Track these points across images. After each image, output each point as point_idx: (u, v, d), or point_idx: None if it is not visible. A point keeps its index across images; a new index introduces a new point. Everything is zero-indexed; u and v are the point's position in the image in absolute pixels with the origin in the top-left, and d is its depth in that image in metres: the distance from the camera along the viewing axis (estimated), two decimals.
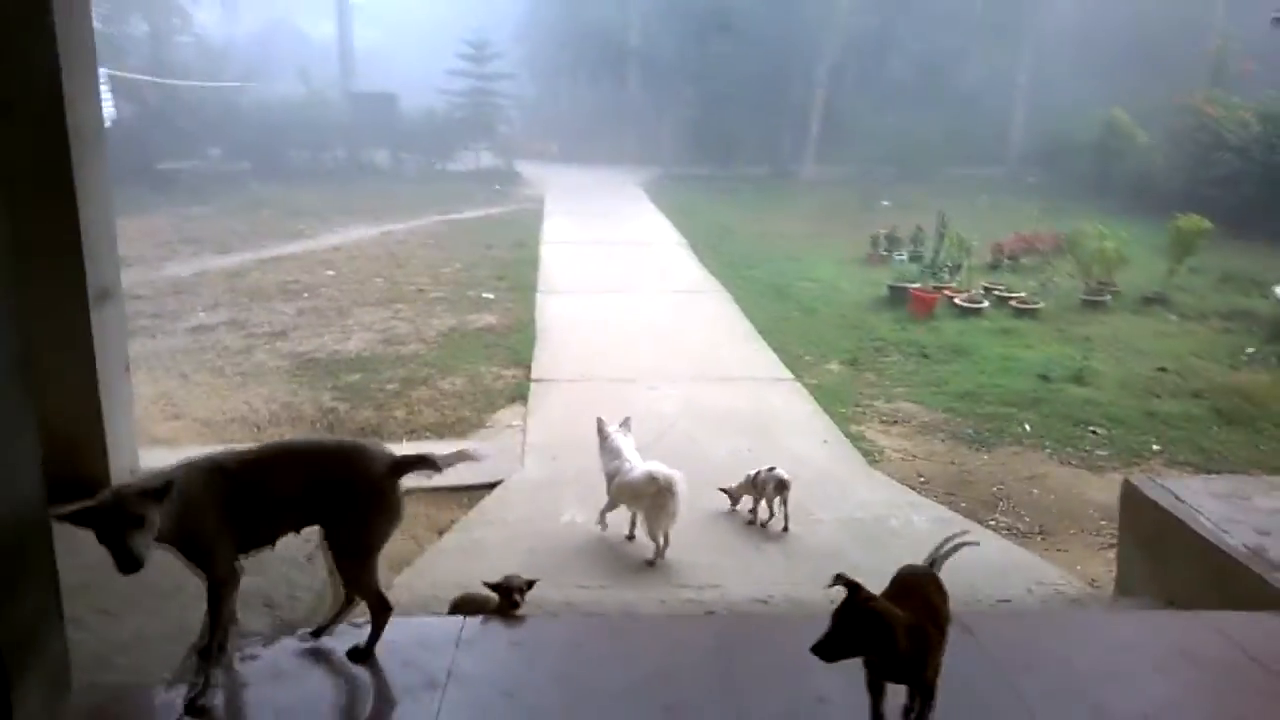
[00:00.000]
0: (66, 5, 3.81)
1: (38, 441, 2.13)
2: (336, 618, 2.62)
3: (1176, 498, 4.20)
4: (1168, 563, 4.11)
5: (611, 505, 5.39)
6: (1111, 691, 2.40)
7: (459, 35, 27.16)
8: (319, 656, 2.44)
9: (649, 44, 29.81)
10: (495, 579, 2.94)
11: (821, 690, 2.22)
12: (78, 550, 3.19)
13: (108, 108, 17.57)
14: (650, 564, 5.15)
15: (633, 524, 5.40)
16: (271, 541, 2.56)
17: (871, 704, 2.15)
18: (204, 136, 22.51)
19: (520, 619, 2.70)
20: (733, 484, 5.80)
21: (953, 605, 2.26)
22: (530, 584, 2.97)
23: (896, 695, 2.24)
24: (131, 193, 17.91)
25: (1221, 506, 4.10)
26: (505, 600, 2.84)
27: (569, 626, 2.88)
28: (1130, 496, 4.46)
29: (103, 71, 17.76)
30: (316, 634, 2.59)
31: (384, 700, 2.25)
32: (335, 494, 2.47)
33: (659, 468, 5.14)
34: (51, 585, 2.14)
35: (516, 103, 28.85)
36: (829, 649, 2.03)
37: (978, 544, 2.57)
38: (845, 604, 2.07)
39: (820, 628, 2.04)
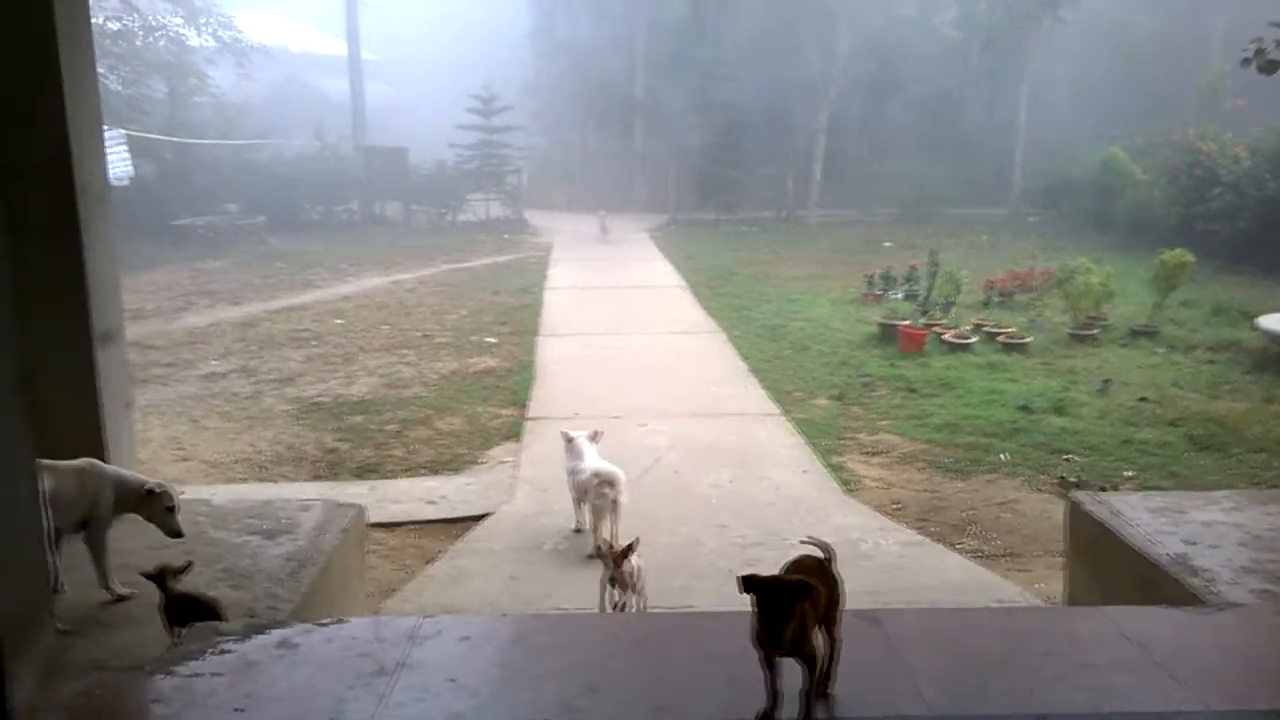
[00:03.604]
0: (74, 72, 4.19)
1: (31, 451, 2.44)
2: None
3: (1114, 512, 4.44)
4: (1105, 572, 4.34)
5: (576, 503, 6.10)
6: (997, 672, 2.65)
7: (468, 90, 27.85)
8: (285, 649, 2.72)
9: (654, 94, 30.52)
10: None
11: (733, 672, 2.48)
12: (76, 568, 3.52)
13: (127, 167, 18.17)
14: (591, 557, 5.59)
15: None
16: None
17: (767, 678, 2.40)
18: (221, 193, 23.12)
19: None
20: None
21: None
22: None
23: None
24: (150, 248, 18.55)
25: (1155, 519, 4.33)
26: (160, 586, 3.17)
27: (514, 624, 3.15)
28: (1075, 513, 4.70)
29: (122, 132, 18.48)
30: None
31: (340, 684, 2.52)
32: None
33: (603, 465, 5.80)
34: (43, 582, 2.44)
35: (525, 154, 29.48)
36: (772, 636, 2.30)
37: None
38: (760, 593, 2.34)
39: (740, 623, 2.33)
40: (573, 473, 6.01)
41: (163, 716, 2.47)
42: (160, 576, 3.16)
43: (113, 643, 3.15)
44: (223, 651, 2.71)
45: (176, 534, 3.62)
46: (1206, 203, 18.09)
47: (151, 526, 3.64)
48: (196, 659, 2.65)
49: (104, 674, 2.58)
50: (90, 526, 3.52)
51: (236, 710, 2.43)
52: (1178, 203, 19.05)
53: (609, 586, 4.45)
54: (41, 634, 2.43)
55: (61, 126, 4.13)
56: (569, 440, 6.16)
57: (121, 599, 3.47)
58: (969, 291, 13.18)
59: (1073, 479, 7.11)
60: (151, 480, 3.63)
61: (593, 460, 5.95)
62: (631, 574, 4.50)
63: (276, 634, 2.83)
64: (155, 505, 3.57)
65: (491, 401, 9.23)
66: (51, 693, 2.44)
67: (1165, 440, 7.98)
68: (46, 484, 3.31)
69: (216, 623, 2.87)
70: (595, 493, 5.73)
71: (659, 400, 9.23)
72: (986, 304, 13.51)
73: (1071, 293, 12.09)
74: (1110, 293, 12.19)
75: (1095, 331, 11.70)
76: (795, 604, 2.33)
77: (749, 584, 2.36)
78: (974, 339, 11.28)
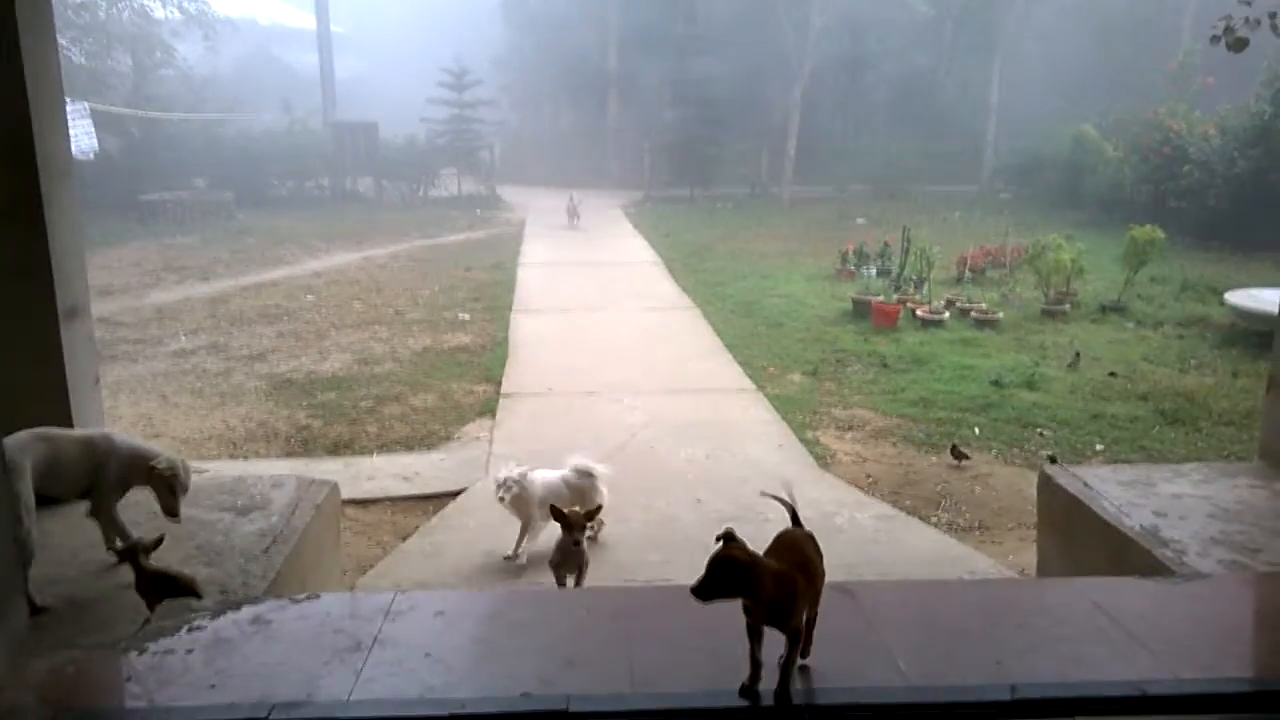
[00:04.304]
0: (34, 44, 4.09)
1: None
2: None
3: (1085, 484, 4.48)
4: (1076, 544, 4.39)
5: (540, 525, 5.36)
6: (970, 643, 2.67)
7: (439, 63, 27.57)
8: (258, 626, 2.70)
9: (628, 69, 30.35)
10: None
11: (711, 645, 2.49)
12: (47, 545, 3.47)
13: (91, 141, 17.86)
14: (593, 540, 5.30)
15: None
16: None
17: (750, 648, 2.42)
18: (188, 167, 22.77)
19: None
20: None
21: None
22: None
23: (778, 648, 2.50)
24: (117, 224, 18.30)
25: (1125, 492, 4.38)
26: (133, 563, 3.05)
27: (489, 598, 3.14)
28: (1046, 485, 4.74)
29: (86, 105, 18.18)
30: None
31: (315, 660, 2.51)
32: None
33: (580, 461, 5.54)
34: (11, 561, 2.40)
35: (498, 129, 29.26)
36: (703, 590, 2.33)
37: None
38: (718, 553, 2.37)
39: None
40: (544, 492, 5.31)
41: (135, 694, 2.45)
42: (133, 554, 3.10)
43: (85, 620, 3.12)
44: (196, 628, 2.69)
45: (173, 514, 3.59)
46: (1176, 180, 18.29)
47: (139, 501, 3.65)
48: (169, 636, 2.63)
49: (75, 651, 2.56)
50: (93, 496, 3.55)
51: (210, 687, 2.41)
52: (1148, 180, 19.24)
53: (566, 570, 4.09)
54: (11, 613, 2.40)
55: (22, 100, 4.03)
56: (509, 483, 5.22)
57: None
58: (941, 268, 13.25)
59: (1045, 452, 7.18)
60: (163, 458, 3.60)
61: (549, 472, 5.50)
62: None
63: (250, 610, 2.81)
64: (158, 482, 3.56)
65: (465, 378, 9.19)
66: (22, 671, 2.41)
67: (1135, 414, 8.08)
68: (45, 453, 3.34)
69: (189, 599, 2.85)
70: (588, 492, 5.34)
71: (634, 376, 9.21)
72: (959, 280, 13.60)
73: (1042, 269, 12.18)
74: (1081, 269, 12.30)
75: (1066, 307, 11.80)
76: (733, 584, 2.35)
77: (725, 539, 2.39)
78: (946, 315, 11.36)
